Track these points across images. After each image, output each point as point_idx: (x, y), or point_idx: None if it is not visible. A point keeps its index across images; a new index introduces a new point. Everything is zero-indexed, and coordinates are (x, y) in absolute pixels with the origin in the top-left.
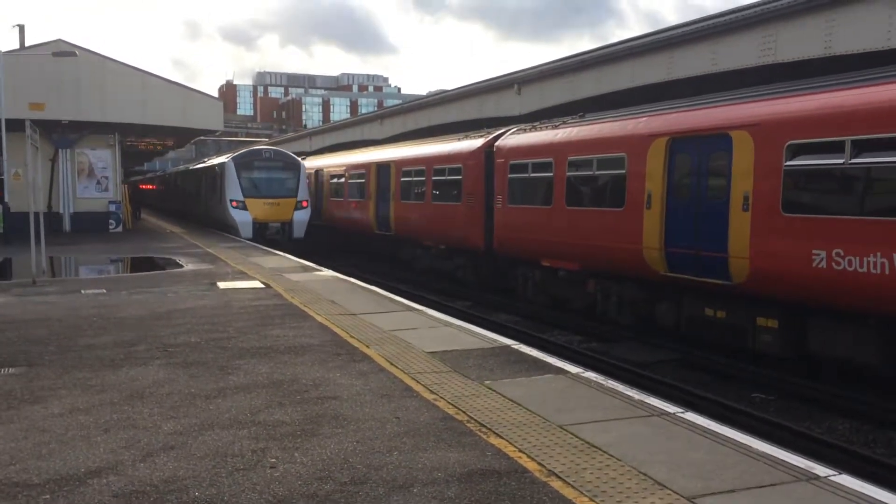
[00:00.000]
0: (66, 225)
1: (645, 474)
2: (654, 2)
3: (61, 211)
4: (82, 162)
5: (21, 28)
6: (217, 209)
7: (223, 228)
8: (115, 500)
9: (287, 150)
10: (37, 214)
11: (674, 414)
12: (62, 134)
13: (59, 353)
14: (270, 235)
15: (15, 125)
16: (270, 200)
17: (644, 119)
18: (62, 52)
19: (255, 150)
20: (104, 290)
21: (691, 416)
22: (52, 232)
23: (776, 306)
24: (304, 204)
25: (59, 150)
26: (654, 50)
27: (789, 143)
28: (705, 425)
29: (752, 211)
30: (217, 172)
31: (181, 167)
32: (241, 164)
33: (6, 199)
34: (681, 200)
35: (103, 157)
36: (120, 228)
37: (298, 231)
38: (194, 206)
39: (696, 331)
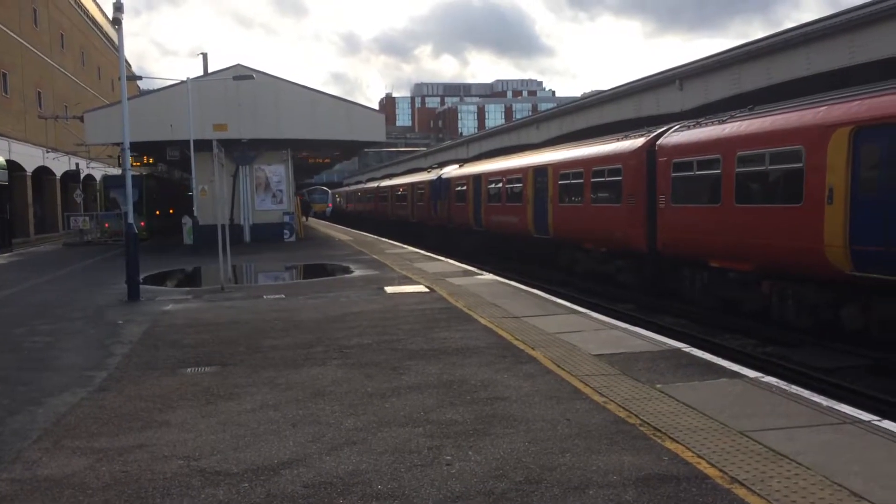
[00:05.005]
0: (247, 236)
1: (839, 484)
2: None
3: (242, 223)
4: (259, 177)
5: (204, 56)
6: (308, 209)
7: (309, 215)
8: (306, 490)
9: (444, 158)
10: (223, 226)
11: (869, 422)
12: (242, 151)
13: (248, 353)
14: (319, 216)
15: (200, 145)
16: (317, 205)
17: (823, 108)
18: (241, 76)
19: (315, 187)
20: (283, 296)
21: (889, 425)
22: (234, 242)
23: None
24: (330, 205)
25: (240, 167)
26: (833, 34)
27: None
28: None
29: None
30: (304, 194)
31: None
32: (310, 192)
33: (195, 213)
34: (868, 194)
35: (278, 172)
36: (293, 238)
37: (328, 215)
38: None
39: (890, 334)
